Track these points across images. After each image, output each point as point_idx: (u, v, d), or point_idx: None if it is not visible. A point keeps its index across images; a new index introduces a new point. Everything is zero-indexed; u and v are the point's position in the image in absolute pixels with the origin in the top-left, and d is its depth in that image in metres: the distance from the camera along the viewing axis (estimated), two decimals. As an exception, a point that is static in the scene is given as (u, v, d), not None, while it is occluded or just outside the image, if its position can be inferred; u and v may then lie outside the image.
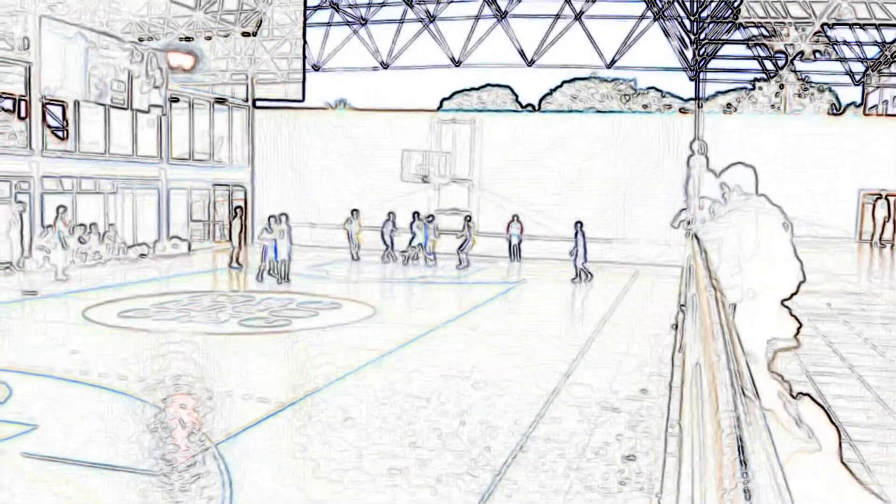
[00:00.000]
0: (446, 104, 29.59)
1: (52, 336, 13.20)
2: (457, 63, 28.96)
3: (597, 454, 7.78)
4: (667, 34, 26.77)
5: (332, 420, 8.79)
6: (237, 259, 20.10)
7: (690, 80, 26.16)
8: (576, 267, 21.17)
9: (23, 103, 20.01)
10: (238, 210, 23.31)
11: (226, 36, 25.86)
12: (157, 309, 15.64)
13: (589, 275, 21.17)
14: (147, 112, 23.97)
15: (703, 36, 24.72)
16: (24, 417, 8.37)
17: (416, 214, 24.27)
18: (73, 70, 21.06)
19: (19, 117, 19.99)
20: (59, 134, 21.18)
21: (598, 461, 7.59)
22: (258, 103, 29.34)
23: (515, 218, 25.67)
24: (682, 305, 13.58)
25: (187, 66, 23.92)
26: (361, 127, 28.75)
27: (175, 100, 25.25)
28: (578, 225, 21.06)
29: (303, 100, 28.56)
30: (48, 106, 20.72)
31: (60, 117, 21.20)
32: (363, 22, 30.31)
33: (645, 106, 28.25)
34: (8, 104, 19.77)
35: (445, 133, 28.07)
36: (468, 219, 24.16)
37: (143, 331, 13.83)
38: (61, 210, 19.67)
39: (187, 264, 22.98)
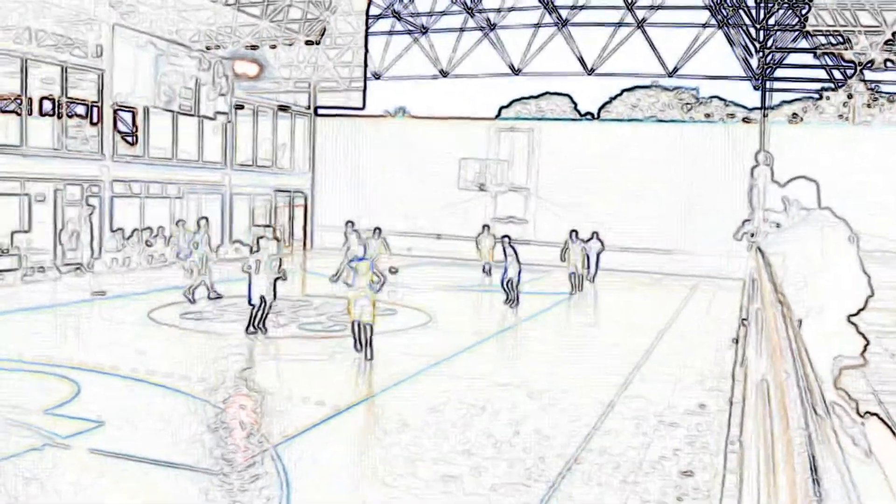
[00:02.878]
0: (505, 112, 29.55)
1: (118, 336, 13.61)
2: (516, 71, 28.95)
3: (653, 468, 7.67)
4: (731, 42, 26.29)
5: (387, 425, 8.86)
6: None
7: (755, 89, 25.62)
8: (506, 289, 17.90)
9: (95, 109, 20.73)
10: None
11: (290, 45, 26.35)
12: (218, 311, 15.99)
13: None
14: (213, 119, 24.56)
15: (769, 44, 24.20)
16: (91, 414, 8.64)
17: (349, 224, 21.04)
18: (143, 77, 21.73)
19: (92, 123, 20.71)
20: (129, 139, 21.86)
21: (655, 475, 7.47)
22: (320, 111, 29.80)
23: (595, 235, 22.62)
24: (745, 320, 13.29)
25: (252, 74, 24.47)
26: (420, 135, 28.94)
27: (240, 107, 25.82)
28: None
29: (363, 107, 28.90)
30: (119, 112, 21.42)
31: (130, 123, 21.88)
32: (424, 30, 30.55)
33: (707, 115, 27.78)
34: (81, 110, 20.50)
35: (503, 141, 28.06)
36: (508, 239, 18.66)
37: (204, 332, 14.16)
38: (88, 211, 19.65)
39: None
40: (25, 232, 18.75)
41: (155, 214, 22.80)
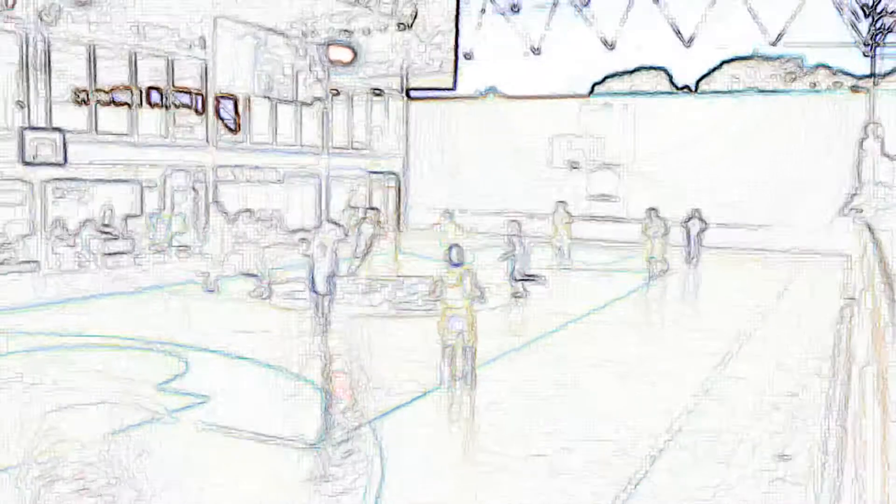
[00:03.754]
0: (598, 88, 29.03)
1: (223, 315, 14.26)
2: (610, 46, 28.38)
3: (749, 451, 7.51)
4: (838, 7, 24.92)
5: (478, 403, 9.00)
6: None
7: (865, 55, 24.23)
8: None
9: (199, 99, 21.60)
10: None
11: (383, 30, 26.67)
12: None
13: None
14: (310, 105, 25.18)
15: (879, 7, 22.81)
16: (198, 390, 9.14)
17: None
18: (243, 66, 22.48)
19: (196, 112, 21.59)
20: (231, 127, 22.69)
21: (751, 458, 7.33)
22: (412, 93, 30.08)
23: (696, 214, 20.64)
24: (850, 298, 12.75)
25: (347, 60, 24.89)
26: (511, 114, 28.81)
27: (336, 92, 26.36)
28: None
29: (454, 89, 28.97)
30: (221, 100, 22.24)
31: (232, 111, 22.70)
32: (515, 9, 30.29)
33: (813, 85, 26.49)
34: (186, 99, 21.39)
35: (597, 118, 27.62)
36: (517, 226, 16.62)
37: (305, 311, 14.65)
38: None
39: (344, 249, 23.96)
40: (137, 216, 19.80)
41: (257, 199, 23.63)
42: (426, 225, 25.49)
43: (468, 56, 30.80)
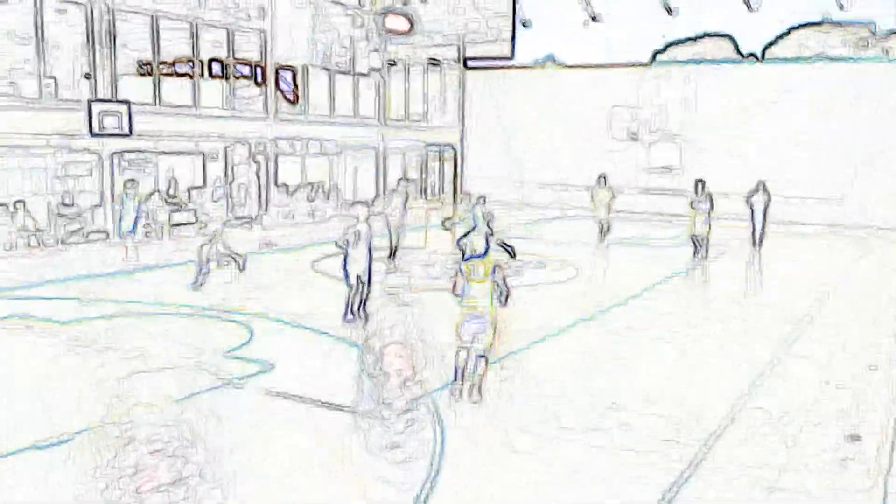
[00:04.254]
0: (659, 57, 28.39)
1: (286, 285, 14.53)
2: (672, 13, 27.67)
3: (816, 430, 7.38)
4: (917, -30, 23.78)
5: (536, 375, 9.01)
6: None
7: (944, 21, 23.13)
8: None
9: (259, 70, 21.83)
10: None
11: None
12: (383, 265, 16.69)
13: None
14: (367, 75, 25.22)
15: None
16: (264, 358, 9.36)
17: (480, 200, 16.89)
18: (301, 37, 22.61)
19: (256, 83, 21.84)
20: (290, 98, 22.89)
21: (818, 438, 7.20)
22: (469, 63, 29.85)
23: (761, 186, 19.25)
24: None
25: (404, 30, 24.82)
26: (570, 84, 28.42)
27: (392, 63, 26.33)
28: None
29: (511, 58, 28.65)
30: (280, 71, 22.43)
31: (291, 82, 22.88)
32: (574, -24, 29.69)
33: (885, 52, 25.45)
34: (247, 71, 21.64)
35: (658, 88, 27.05)
36: (483, 200, 16.39)
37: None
38: (129, 185, 16.39)
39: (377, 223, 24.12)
40: (200, 188, 20.22)
41: (315, 171, 23.88)
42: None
43: (526, 24, 30.41)
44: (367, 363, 9.58)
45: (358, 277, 11.01)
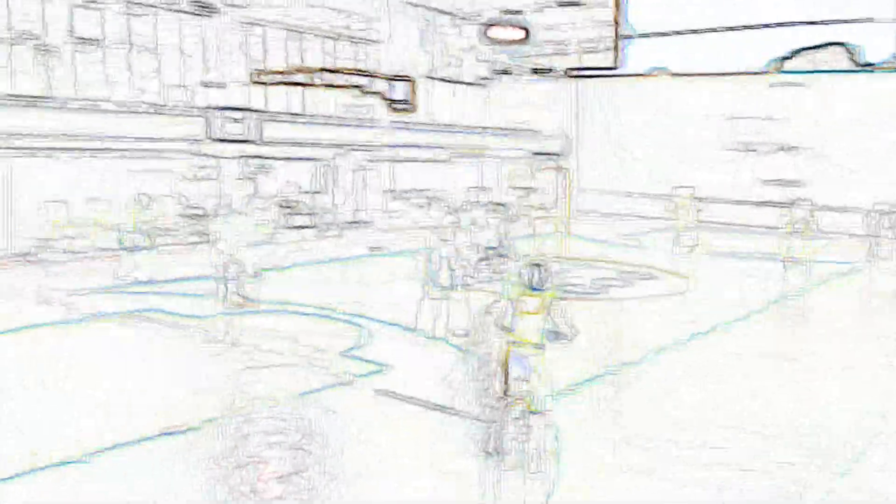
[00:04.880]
0: (776, 66, 27.35)
1: (398, 288, 14.75)
2: (789, 22, 26.62)
3: (957, 460, 6.91)
4: None
5: (649, 391, 8.83)
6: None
7: None
8: None
9: (371, 79, 22.35)
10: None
11: (548, 8, 26.42)
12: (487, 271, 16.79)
13: None
14: (475, 84, 25.41)
15: None
16: (378, 359, 9.55)
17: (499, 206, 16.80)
18: (412, 47, 23.02)
19: (368, 92, 22.37)
20: (401, 107, 23.32)
21: (958, 468, 6.74)
22: (577, 72, 29.60)
23: (885, 204, 18.65)
24: None
25: (514, 39, 24.88)
26: (681, 93, 27.75)
27: (502, 72, 26.43)
28: None
29: (616, 67, 28.21)
30: (391, 81, 22.89)
31: (402, 91, 23.31)
32: (689, -17, 29.02)
33: None
34: (360, 80, 22.20)
35: (777, 98, 26.06)
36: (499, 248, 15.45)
37: (480, 290, 14.90)
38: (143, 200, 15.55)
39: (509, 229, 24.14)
40: (317, 193, 20.87)
41: (426, 177, 24.24)
42: (592, 207, 25.23)
43: (636, 33, 29.90)
44: (480, 368, 9.62)
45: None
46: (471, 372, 9.49)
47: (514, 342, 6.87)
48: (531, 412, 6.68)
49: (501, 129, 26.95)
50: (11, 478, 6.02)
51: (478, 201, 24.81)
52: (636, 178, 27.86)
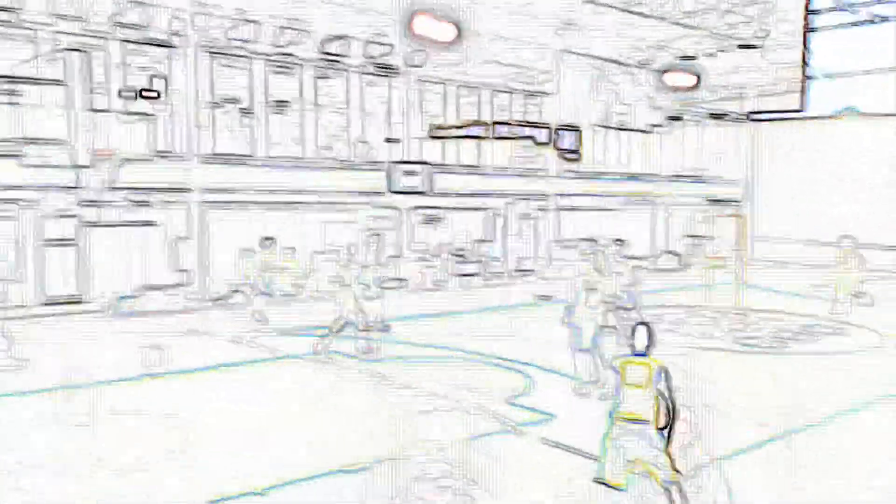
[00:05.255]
0: None
1: (562, 337, 14.73)
2: None
3: None
4: None
5: (830, 456, 8.26)
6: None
7: None
8: None
9: (542, 130, 22.73)
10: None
11: (725, 52, 25.77)
12: (658, 320, 16.39)
13: None
14: (648, 132, 25.15)
15: None
16: (543, 407, 9.60)
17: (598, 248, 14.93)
18: (583, 97, 23.21)
19: (539, 143, 22.75)
20: (571, 156, 23.50)
21: None
22: (757, 116, 28.52)
23: None
24: None
25: (687, 85, 24.45)
26: (873, 134, 25.95)
27: (675, 118, 26.00)
28: None
29: (805, 109, 26.91)
30: (562, 131, 23.15)
31: (572, 141, 23.51)
32: (878, 19, 27.33)
33: None
34: (530, 131, 22.64)
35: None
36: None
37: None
38: (268, 243, 15.14)
39: (680, 278, 23.47)
40: (488, 241, 21.37)
41: (596, 226, 24.16)
42: (772, 256, 24.09)
43: (821, 73, 28.46)
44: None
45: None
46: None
47: (624, 416, 6.26)
48: (668, 482, 6.17)
49: (674, 175, 26.40)
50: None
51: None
52: (819, 226, 26.22)
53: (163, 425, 8.69)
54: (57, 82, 12.71)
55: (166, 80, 16.04)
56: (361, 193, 18.78)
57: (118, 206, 15.39)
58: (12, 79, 13.88)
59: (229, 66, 17.31)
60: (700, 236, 27.15)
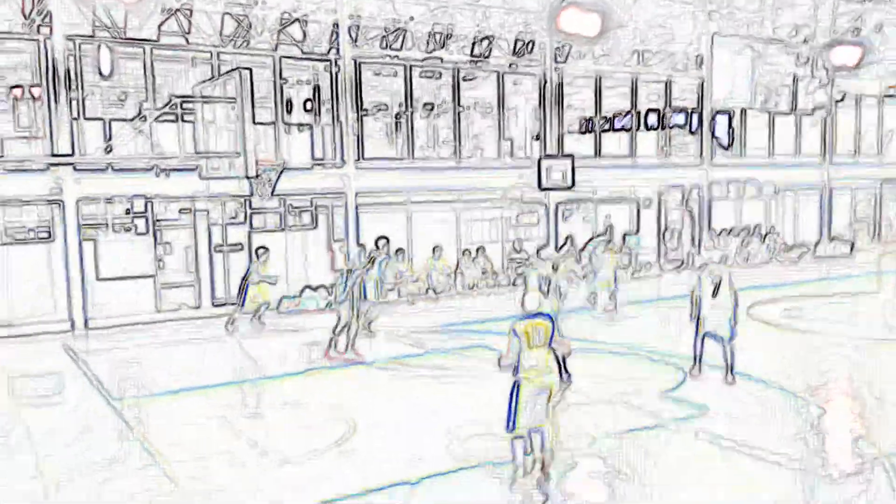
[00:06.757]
0: None
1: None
2: None
3: None
4: None
5: None
6: None
7: None
8: None
9: (694, 116, 21.96)
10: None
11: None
12: (819, 310, 15.57)
13: None
14: (811, 114, 23.71)
15: None
16: (698, 400, 9.37)
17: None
18: (740, 80, 22.17)
19: (690, 131, 22.00)
20: (725, 143, 22.56)
21: None
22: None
23: None
24: None
25: (854, 61, 22.78)
26: None
27: (841, 98, 24.36)
28: None
29: None
30: (716, 117, 22.26)
31: (727, 126, 22.56)
32: None
33: None
34: (680, 119, 21.94)
35: None
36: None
37: (807, 331, 13.89)
38: (261, 252, 14.70)
39: (849, 265, 21.99)
40: (635, 234, 20.95)
41: (751, 214, 23.12)
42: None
43: None
44: (812, 417, 8.99)
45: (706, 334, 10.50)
46: (803, 418, 8.90)
47: (530, 377, 6.73)
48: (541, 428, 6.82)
49: (842, 157, 24.73)
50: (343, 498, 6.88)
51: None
52: None
53: (326, 417, 9.21)
54: (230, 100, 13.69)
55: (318, 89, 16.90)
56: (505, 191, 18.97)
57: (279, 212, 16.42)
58: (189, 98, 15.12)
59: (379, 74, 18.01)
60: (870, 220, 25.29)
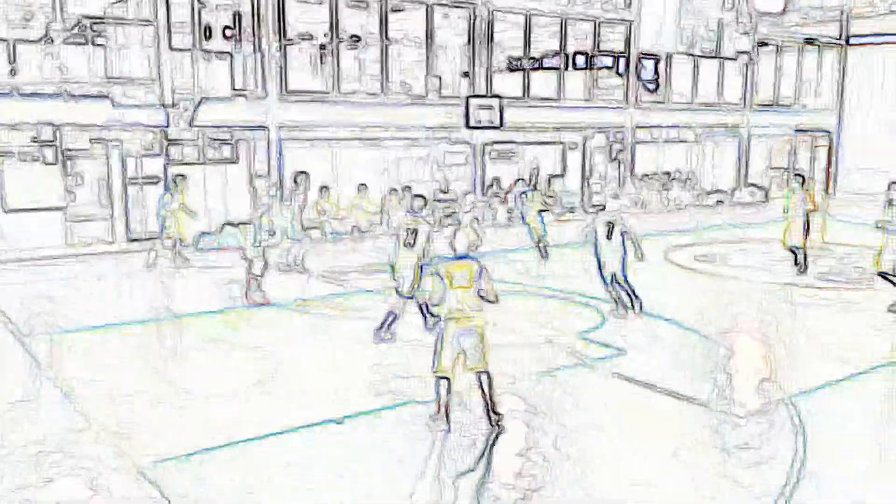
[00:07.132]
0: None
1: (638, 273, 14.60)
2: None
3: None
4: None
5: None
6: None
7: None
8: None
9: (621, 60, 22.04)
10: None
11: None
12: (732, 255, 16.11)
13: None
14: (734, 59, 24.09)
15: None
16: (616, 343, 9.63)
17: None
18: (667, 24, 22.30)
19: (617, 73, 22.10)
20: (651, 87, 22.77)
21: None
22: (852, 41, 26.92)
23: None
24: None
25: (778, 9, 23.17)
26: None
27: (763, 44, 24.81)
28: None
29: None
30: (642, 60, 22.39)
31: (653, 71, 22.74)
32: None
33: None
34: (608, 61, 21.99)
35: None
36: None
37: (717, 276, 14.39)
38: (179, 180, 14.59)
39: (763, 212, 22.79)
40: (560, 176, 21.12)
41: (672, 159, 23.54)
42: (861, 189, 23.22)
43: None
44: (721, 358, 9.36)
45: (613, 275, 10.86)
46: (714, 360, 9.26)
47: (457, 316, 6.90)
48: (482, 372, 6.99)
49: (762, 105, 25.31)
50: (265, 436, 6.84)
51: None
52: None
53: (247, 357, 9.10)
54: (145, 23, 12.94)
55: (239, 16, 16.17)
56: (437, 129, 18.72)
57: (197, 145, 15.81)
58: (100, 20, 14.27)
59: (304, 2, 17.32)
60: (784, 168, 26.16)
